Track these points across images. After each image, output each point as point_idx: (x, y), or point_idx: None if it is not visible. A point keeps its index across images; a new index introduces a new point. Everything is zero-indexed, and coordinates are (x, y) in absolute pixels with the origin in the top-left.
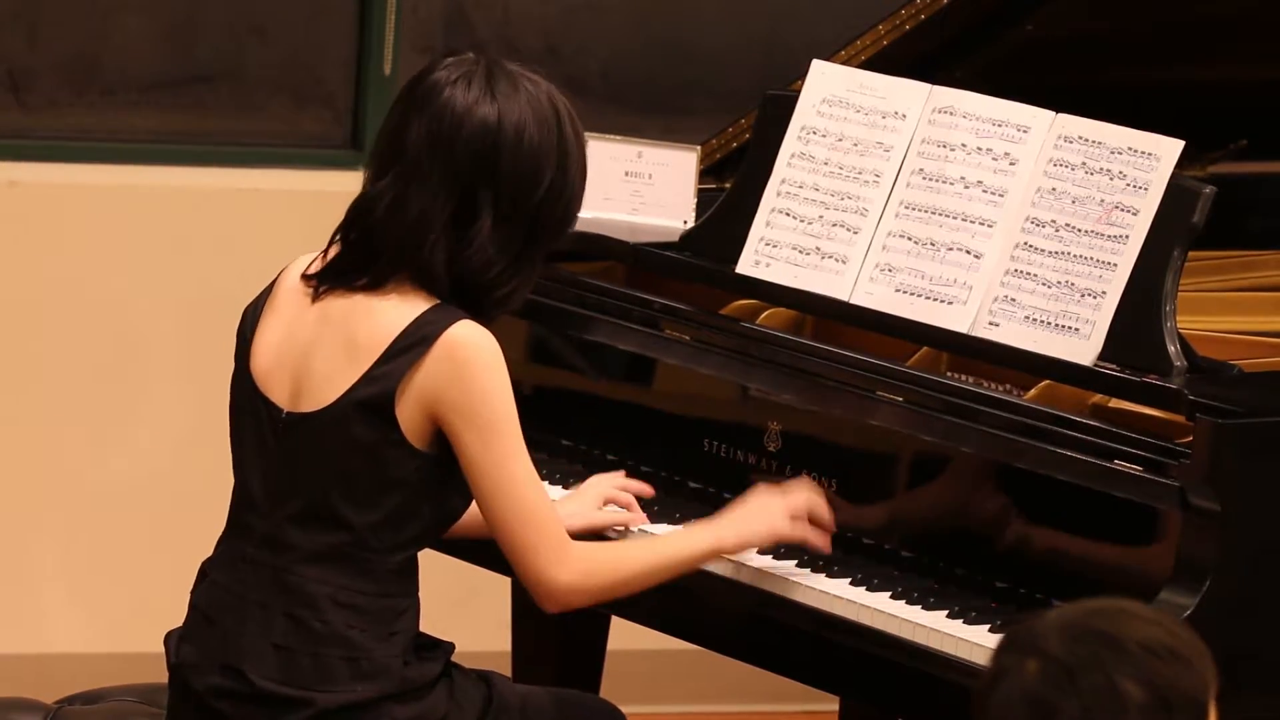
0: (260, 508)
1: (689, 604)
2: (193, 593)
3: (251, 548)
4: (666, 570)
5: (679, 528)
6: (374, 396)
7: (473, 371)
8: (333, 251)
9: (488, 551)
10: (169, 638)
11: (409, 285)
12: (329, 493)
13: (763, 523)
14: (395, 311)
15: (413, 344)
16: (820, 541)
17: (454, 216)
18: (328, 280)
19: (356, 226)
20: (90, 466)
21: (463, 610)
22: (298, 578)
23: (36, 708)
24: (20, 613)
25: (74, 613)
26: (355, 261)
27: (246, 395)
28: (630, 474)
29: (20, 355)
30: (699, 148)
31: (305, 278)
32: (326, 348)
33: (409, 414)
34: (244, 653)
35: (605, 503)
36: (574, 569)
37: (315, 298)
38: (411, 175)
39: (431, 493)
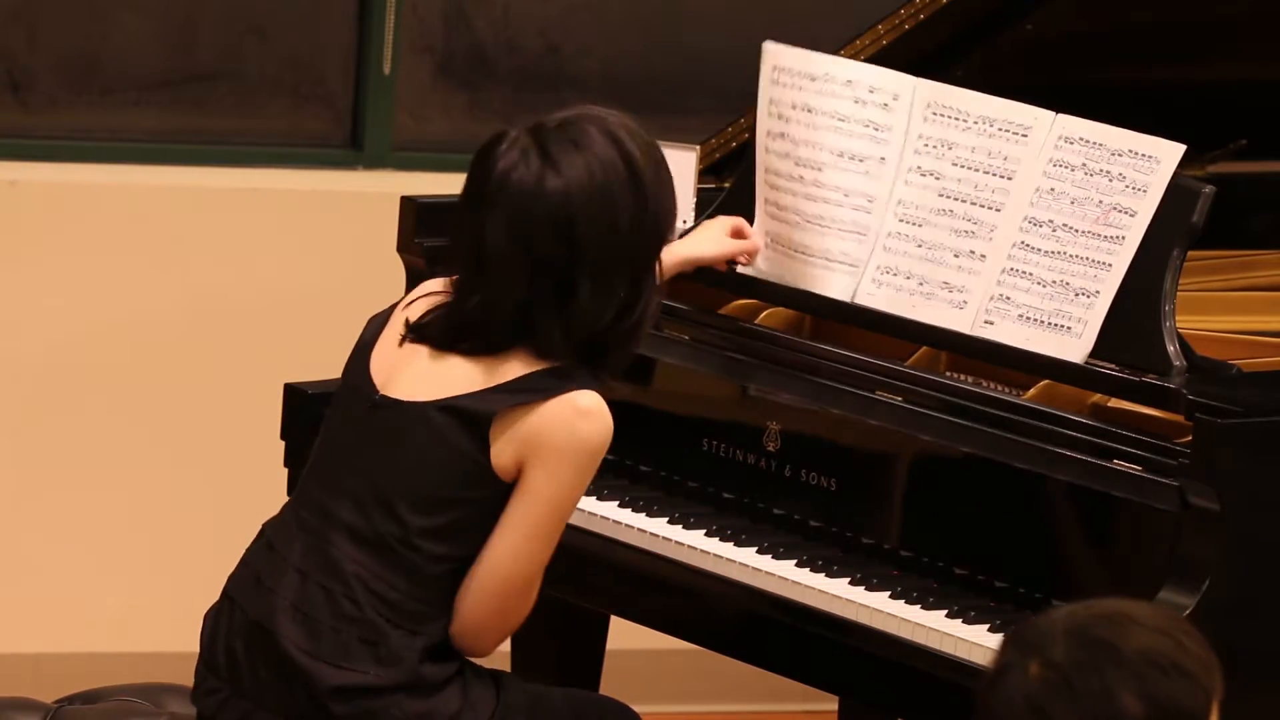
0: (324, 477)
1: (689, 604)
2: (249, 548)
3: (307, 513)
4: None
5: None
6: (475, 409)
7: (578, 451)
8: (440, 308)
9: None
10: (210, 612)
11: (528, 354)
12: (394, 483)
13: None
14: (515, 362)
15: (534, 388)
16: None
17: (555, 295)
18: (435, 341)
19: (467, 333)
20: (90, 466)
21: None
22: (339, 553)
23: (36, 707)
24: (20, 612)
25: (73, 612)
26: (467, 336)
27: (356, 375)
28: (629, 474)
29: (19, 355)
30: (699, 147)
31: (410, 327)
32: (435, 359)
33: (502, 440)
34: (276, 615)
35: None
36: (492, 643)
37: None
38: (500, 275)
39: (489, 520)
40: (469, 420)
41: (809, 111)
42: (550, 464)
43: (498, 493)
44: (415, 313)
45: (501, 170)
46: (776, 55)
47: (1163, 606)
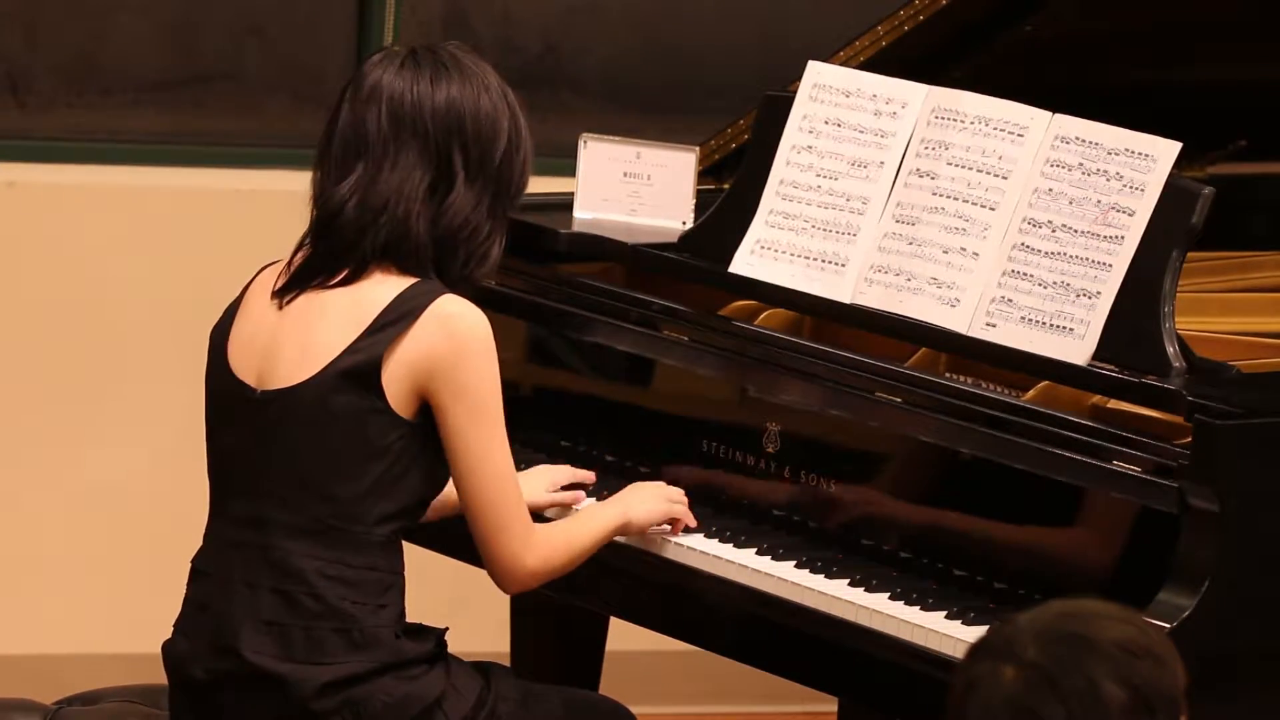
0: (241, 490)
1: (689, 604)
2: (187, 589)
3: (235, 530)
4: (594, 546)
5: (591, 504)
6: (358, 365)
7: (469, 350)
8: (300, 257)
9: None
10: (165, 645)
11: (386, 268)
12: (310, 465)
13: (657, 505)
14: (376, 290)
15: (399, 317)
16: (690, 521)
17: (432, 185)
18: (300, 284)
19: (329, 229)
20: (90, 467)
21: (462, 610)
22: (283, 553)
23: (35, 708)
24: (19, 613)
25: (72, 614)
26: (331, 260)
27: (220, 380)
28: (629, 475)
29: (19, 355)
30: (698, 148)
31: (275, 292)
32: (301, 333)
33: (395, 382)
34: (236, 632)
35: (553, 487)
36: (538, 553)
37: (287, 302)
38: (380, 161)
39: (416, 461)
40: (356, 377)
41: (838, 125)
42: (452, 378)
43: (410, 429)
44: (265, 290)
45: (381, 76)
46: (819, 73)
47: (1112, 602)
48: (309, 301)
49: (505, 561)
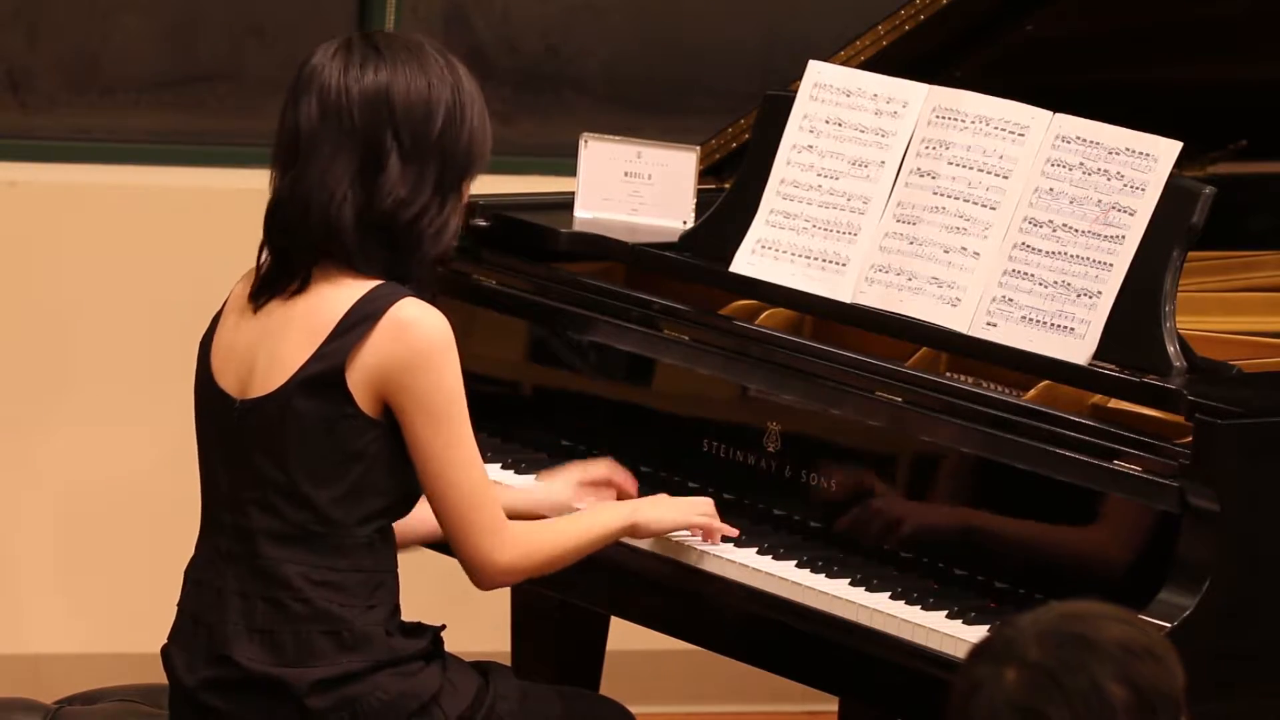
0: (227, 500)
1: (689, 604)
2: (180, 599)
3: (225, 541)
4: (591, 546)
5: (598, 505)
6: (324, 372)
7: (426, 357)
8: (264, 261)
9: None
10: (162, 651)
11: (336, 271)
12: (288, 473)
13: (677, 511)
14: (338, 295)
15: (359, 321)
16: (722, 530)
17: (360, 171)
18: (263, 293)
19: (270, 230)
20: (89, 467)
21: (462, 610)
22: (269, 561)
23: (36, 708)
24: (18, 614)
25: (72, 614)
26: (282, 265)
27: (206, 392)
28: (629, 474)
29: (19, 355)
30: (698, 148)
31: (249, 295)
32: (272, 342)
33: (360, 387)
34: (229, 640)
35: (584, 481)
36: (513, 550)
37: (258, 309)
38: (310, 151)
39: (392, 460)
40: (322, 383)
41: (839, 125)
42: (410, 385)
43: (382, 430)
44: (243, 297)
45: (316, 63)
46: (819, 73)
47: (1111, 602)
48: (277, 310)
49: (477, 559)
